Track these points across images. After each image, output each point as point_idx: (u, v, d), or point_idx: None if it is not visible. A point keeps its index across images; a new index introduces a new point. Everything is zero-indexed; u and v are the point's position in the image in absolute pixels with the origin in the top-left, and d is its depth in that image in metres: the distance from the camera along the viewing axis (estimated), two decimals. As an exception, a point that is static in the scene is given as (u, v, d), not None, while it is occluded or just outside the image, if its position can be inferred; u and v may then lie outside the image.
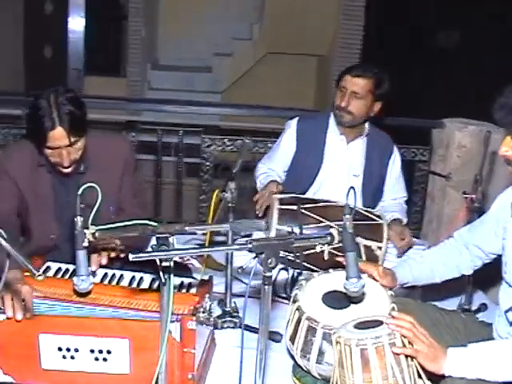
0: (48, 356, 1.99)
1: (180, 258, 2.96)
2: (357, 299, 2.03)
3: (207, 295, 2.18)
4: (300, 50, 8.65)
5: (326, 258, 2.47)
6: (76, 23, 9.29)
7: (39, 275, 1.38)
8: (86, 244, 1.81)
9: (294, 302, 2.14)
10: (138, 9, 8.41)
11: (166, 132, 4.29)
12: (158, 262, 1.73)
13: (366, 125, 3.20)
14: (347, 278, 1.76)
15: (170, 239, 1.72)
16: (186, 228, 1.72)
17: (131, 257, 1.54)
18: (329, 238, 1.72)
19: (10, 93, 6.46)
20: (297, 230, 2.74)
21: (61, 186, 2.57)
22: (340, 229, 1.74)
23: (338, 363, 1.83)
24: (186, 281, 2.30)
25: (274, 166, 3.30)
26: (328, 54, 8.69)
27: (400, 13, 8.78)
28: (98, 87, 8.35)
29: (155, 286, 2.25)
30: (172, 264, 1.73)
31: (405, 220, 3.21)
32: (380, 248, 2.77)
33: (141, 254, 1.56)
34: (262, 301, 1.69)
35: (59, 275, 2.27)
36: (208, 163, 4.17)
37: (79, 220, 1.83)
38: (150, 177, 4.60)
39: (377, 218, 2.86)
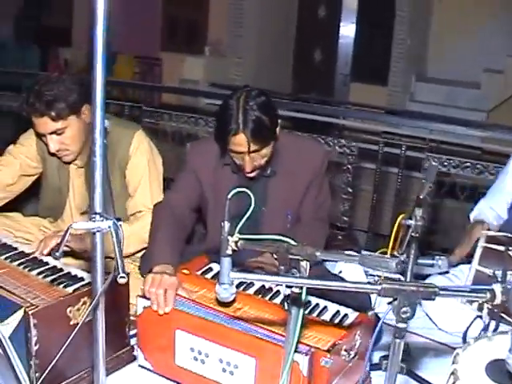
0: (181, 353, 1.97)
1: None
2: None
3: (359, 331, 1.93)
4: None
5: (485, 319, 2.05)
6: (347, 28, 9.36)
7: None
8: (229, 252, 1.73)
9: (453, 362, 1.78)
10: (404, 17, 8.17)
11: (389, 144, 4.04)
12: (285, 289, 1.57)
13: None
14: (510, 351, 1.41)
15: (303, 263, 1.54)
16: (317, 254, 1.51)
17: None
18: (488, 296, 1.38)
19: (274, 93, 6.66)
20: (499, 275, 2.35)
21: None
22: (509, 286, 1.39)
23: None
24: (344, 310, 2.06)
25: (495, 202, 2.84)
26: None
27: None
28: (361, 94, 8.33)
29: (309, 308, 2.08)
30: (304, 291, 1.54)
31: None
32: None
33: (237, 274, 1.41)
34: (391, 358, 1.40)
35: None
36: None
37: (226, 225, 1.76)
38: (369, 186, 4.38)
39: None
